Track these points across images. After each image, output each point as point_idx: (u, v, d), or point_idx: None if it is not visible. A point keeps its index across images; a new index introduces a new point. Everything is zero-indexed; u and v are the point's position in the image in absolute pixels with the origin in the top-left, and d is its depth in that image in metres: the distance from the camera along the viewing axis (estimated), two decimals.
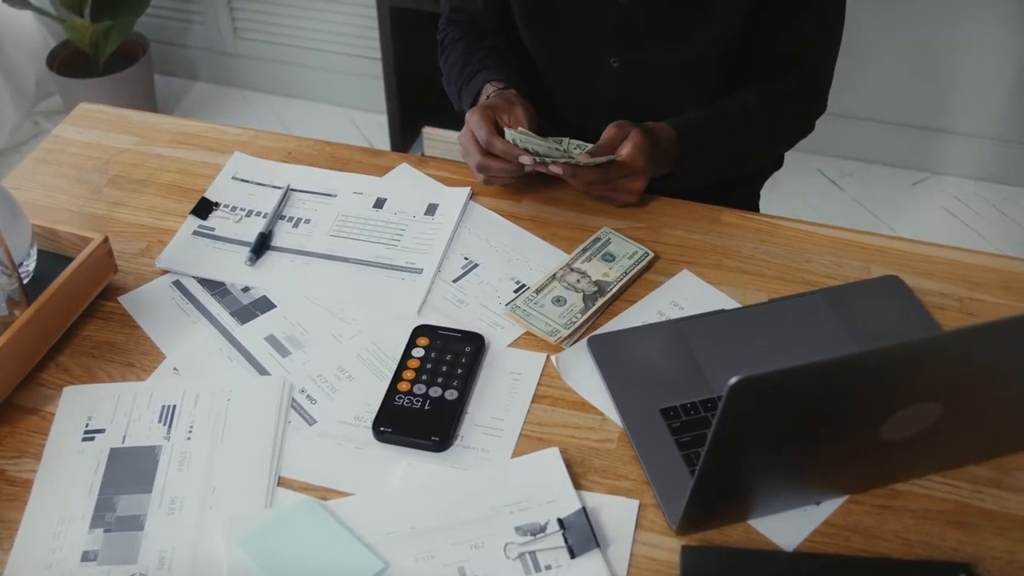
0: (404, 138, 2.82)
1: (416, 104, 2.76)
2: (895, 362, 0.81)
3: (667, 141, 1.29)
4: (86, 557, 0.94)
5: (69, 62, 2.84)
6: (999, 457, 1.02)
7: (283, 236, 1.28)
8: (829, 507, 0.98)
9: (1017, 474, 1.01)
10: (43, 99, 2.99)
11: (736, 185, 1.49)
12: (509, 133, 1.23)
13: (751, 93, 1.37)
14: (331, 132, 2.91)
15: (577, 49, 1.40)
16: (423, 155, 2.80)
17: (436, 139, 2.78)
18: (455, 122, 2.69)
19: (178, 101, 3.10)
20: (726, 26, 1.32)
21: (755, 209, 1.56)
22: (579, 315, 1.16)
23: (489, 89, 1.36)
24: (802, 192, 2.70)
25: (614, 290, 1.19)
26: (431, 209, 1.31)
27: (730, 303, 1.19)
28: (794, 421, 0.84)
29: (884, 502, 0.99)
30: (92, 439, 1.04)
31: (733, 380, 0.75)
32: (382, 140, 2.90)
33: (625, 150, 1.24)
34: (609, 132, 1.26)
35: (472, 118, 1.27)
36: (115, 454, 1.03)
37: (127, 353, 1.14)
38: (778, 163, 1.58)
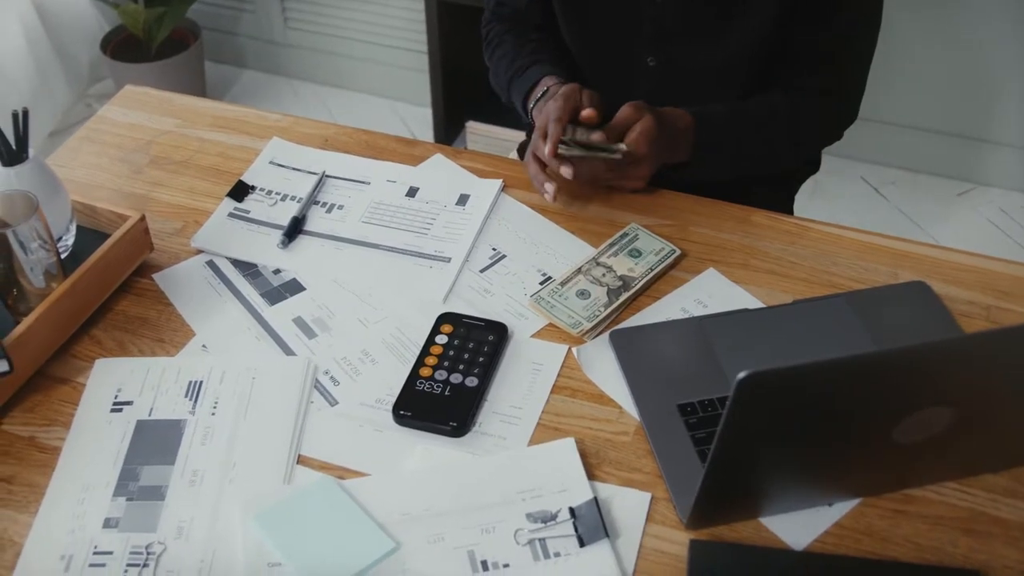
0: (448, 132, 2.84)
1: (461, 99, 2.78)
2: (905, 364, 0.81)
3: (684, 127, 1.29)
4: (108, 524, 0.97)
5: (122, 47, 2.89)
6: (1017, 467, 1.01)
7: (316, 221, 1.30)
8: (841, 508, 0.98)
9: None
10: (96, 82, 3.05)
11: (762, 185, 1.49)
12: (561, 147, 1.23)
13: (778, 93, 1.37)
14: (376, 124, 2.93)
15: (614, 48, 1.40)
16: (466, 150, 2.83)
17: (479, 134, 2.80)
18: (498, 117, 2.74)
19: (228, 88, 3.15)
20: (761, 26, 1.32)
21: (788, 212, 1.55)
22: (602, 309, 1.17)
23: (548, 82, 1.36)
24: (844, 199, 2.68)
25: (639, 286, 1.20)
26: (462, 199, 1.33)
27: (754, 303, 1.19)
28: (803, 419, 0.84)
29: (898, 506, 0.98)
30: (120, 410, 1.07)
31: (741, 374, 0.76)
32: (426, 133, 2.92)
33: (631, 136, 1.24)
34: (624, 112, 1.26)
35: (557, 101, 1.25)
36: (141, 426, 1.05)
37: (158, 329, 1.17)
38: (814, 166, 1.57)
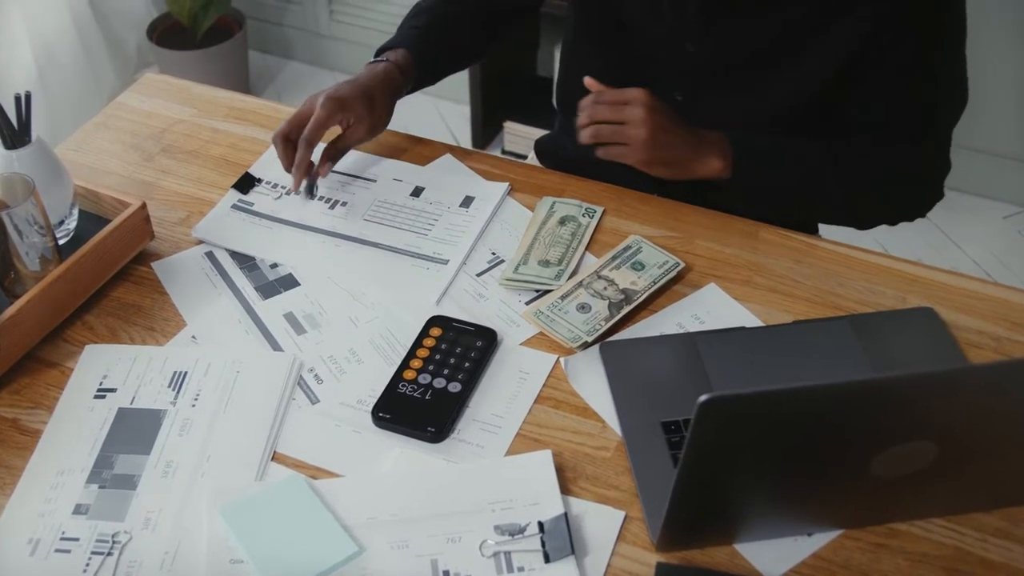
0: (486, 132, 2.83)
1: (499, 99, 2.76)
2: (880, 396, 0.78)
3: (713, 136, 1.23)
4: (78, 510, 0.97)
5: (168, 34, 2.93)
6: (1010, 507, 0.97)
7: (318, 217, 1.30)
8: (821, 539, 0.95)
9: None
10: (142, 68, 3.08)
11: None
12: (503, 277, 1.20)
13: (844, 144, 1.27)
14: (416, 120, 2.93)
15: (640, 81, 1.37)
16: (503, 150, 2.82)
17: (517, 134, 2.78)
18: (537, 118, 2.72)
19: (271, 79, 3.17)
20: (803, 90, 1.26)
21: (814, 229, 1.49)
22: (603, 322, 1.14)
23: (395, 55, 1.39)
24: None
25: (641, 299, 1.17)
26: (467, 201, 1.31)
27: (753, 321, 1.16)
28: (770, 446, 0.81)
29: (880, 540, 0.95)
30: (103, 397, 1.07)
31: (703, 398, 0.73)
32: (465, 131, 2.91)
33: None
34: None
35: (325, 104, 1.26)
36: (122, 414, 1.05)
37: (151, 318, 1.17)
38: None
